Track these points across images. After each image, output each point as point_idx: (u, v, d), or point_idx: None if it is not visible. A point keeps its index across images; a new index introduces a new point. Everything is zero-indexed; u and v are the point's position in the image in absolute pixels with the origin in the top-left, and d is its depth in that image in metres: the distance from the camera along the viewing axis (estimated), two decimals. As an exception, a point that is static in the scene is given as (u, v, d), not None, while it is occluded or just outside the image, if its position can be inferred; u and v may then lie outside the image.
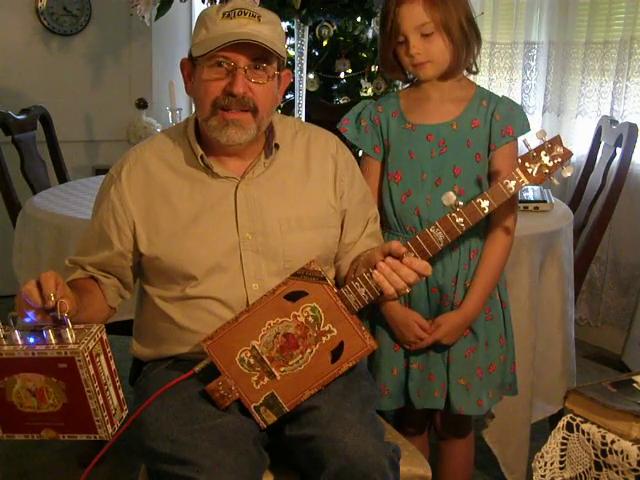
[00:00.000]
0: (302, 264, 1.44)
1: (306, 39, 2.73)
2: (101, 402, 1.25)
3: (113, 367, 1.29)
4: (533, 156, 1.52)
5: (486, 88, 1.82)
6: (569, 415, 1.34)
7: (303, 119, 2.72)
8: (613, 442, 1.25)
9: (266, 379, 1.44)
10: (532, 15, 3.47)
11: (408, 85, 1.80)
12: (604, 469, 1.27)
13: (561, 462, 1.34)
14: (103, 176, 1.65)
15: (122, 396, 1.31)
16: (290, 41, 3.41)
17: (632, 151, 2.44)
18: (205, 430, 1.39)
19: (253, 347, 1.43)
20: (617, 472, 1.24)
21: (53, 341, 1.23)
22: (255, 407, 1.44)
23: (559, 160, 1.52)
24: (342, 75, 3.65)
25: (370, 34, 3.70)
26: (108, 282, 1.57)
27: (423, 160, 1.72)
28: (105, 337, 1.28)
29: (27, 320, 1.28)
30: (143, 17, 2.73)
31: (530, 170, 1.52)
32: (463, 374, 1.75)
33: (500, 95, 1.77)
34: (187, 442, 1.37)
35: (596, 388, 1.35)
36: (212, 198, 1.53)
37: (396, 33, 1.65)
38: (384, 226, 1.79)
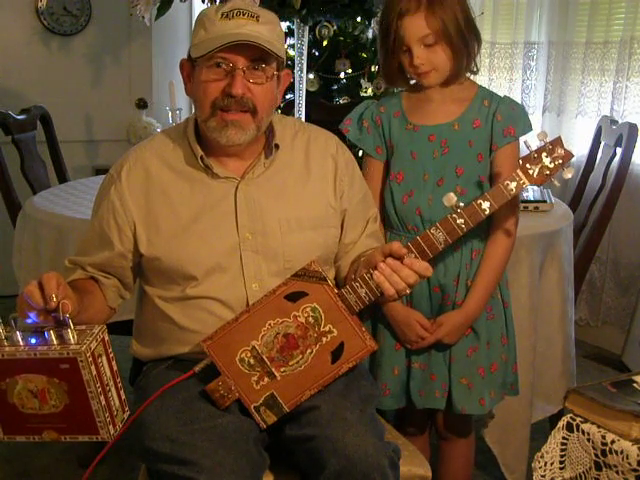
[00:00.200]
0: (302, 264, 1.44)
1: (306, 39, 2.73)
2: (103, 403, 1.25)
3: (115, 368, 1.29)
4: (534, 157, 1.52)
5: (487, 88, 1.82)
6: (569, 415, 1.34)
7: (303, 119, 2.72)
8: (613, 442, 1.25)
9: (266, 379, 1.44)
10: (532, 15, 3.47)
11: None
12: (604, 469, 1.27)
13: (561, 462, 1.34)
14: (103, 176, 1.65)
15: (124, 397, 1.31)
16: (290, 41, 3.41)
17: (632, 151, 2.44)
18: (205, 430, 1.39)
19: (253, 347, 1.43)
20: (617, 472, 1.24)
21: (55, 342, 1.23)
22: (255, 407, 1.44)
23: (560, 161, 1.52)
24: (342, 75, 3.65)
25: (370, 34, 3.70)
26: (108, 282, 1.57)
27: (425, 161, 1.72)
28: (107, 338, 1.28)
29: (28, 321, 1.27)
30: (143, 17, 2.73)
31: (531, 171, 1.52)
32: (465, 374, 1.76)
33: (502, 95, 1.77)
34: (187, 442, 1.37)
35: (596, 388, 1.35)
36: (212, 198, 1.53)
37: (399, 45, 1.65)
38: (386, 226, 1.80)
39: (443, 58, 1.65)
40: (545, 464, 1.35)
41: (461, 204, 1.49)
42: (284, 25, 3.50)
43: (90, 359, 1.21)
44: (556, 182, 1.55)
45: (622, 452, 1.23)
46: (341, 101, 3.67)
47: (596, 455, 1.28)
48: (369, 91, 3.60)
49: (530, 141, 1.58)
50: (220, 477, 1.33)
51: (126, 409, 1.32)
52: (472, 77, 1.78)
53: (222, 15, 1.45)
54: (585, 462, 1.30)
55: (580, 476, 1.31)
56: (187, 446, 1.37)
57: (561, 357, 2.23)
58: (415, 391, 1.78)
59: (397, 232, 1.77)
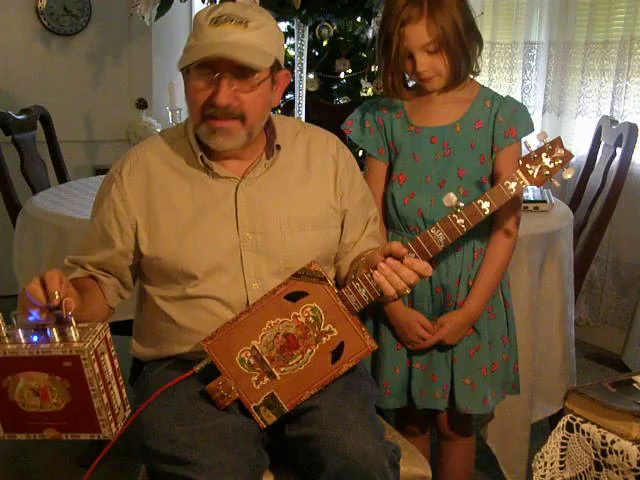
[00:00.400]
0: (302, 264, 1.44)
1: (306, 39, 2.73)
2: (105, 401, 1.24)
3: (117, 366, 1.28)
4: (534, 157, 1.52)
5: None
6: (569, 415, 1.34)
7: (303, 119, 2.73)
8: (613, 442, 1.25)
9: (266, 379, 1.44)
10: (532, 15, 3.47)
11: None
12: (604, 469, 1.27)
13: (561, 462, 1.34)
14: (103, 176, 1.64)
15: (125, 395, 1.30)
16: (290, 41, 3.41)
17: (632, 151, 2.44)
18: (205, 430, 1.39)
19: (253, 347, 1.43)
20: (617, 472, 1.24)
21: (57, 340, 1.22)
22: (255, 407, 1.44)
23: (560, 162, 1.52)
24: (342, 75, 3.65)
25: (370, 34, 3.70)
26: (108, 281, 1.56)
27: (427, 163, 1.72)
28: (109, 336, 1.27)
29: (30, 318, 1.26)
30: (143, 17, 2.73)
31: (531, 171, 1.52)
32: (468, 374, 1.76)
33: (504, 95, 1.76)
34: (187, 442, 1.37)
35: (596, 388, 1.35)
36: (213, 198, 1.53)
37: (403, 54, 1.64)
38: (388, 225, 1.80)
39: (445, 64, 1.64)
40: (545, 464, 1.35)
41: (461, 204, 1.49)
42: (284, 25, 3.51)
43: (93, 357, 1.21)
44: (556, 182, 1.55)
45: (622, 452, 1.23)
46: (341, 101, 3.67)
47: (596, 455, 1.28)
48: (369, 91, 3.60)
49: (530, 141, 1.58)
50: (220, 477, 1.33)
51: (127, 407, 1.32)
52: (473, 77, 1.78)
53: (211, 21, 1.43)
54: (585, 462, 1.30)
55: (580, 476, 1.31)
56: (187, 446, 1.37)
57: (561, 357, 2.23)
58: (416, 391, 1.79)
59: (399, 232, 1.77)
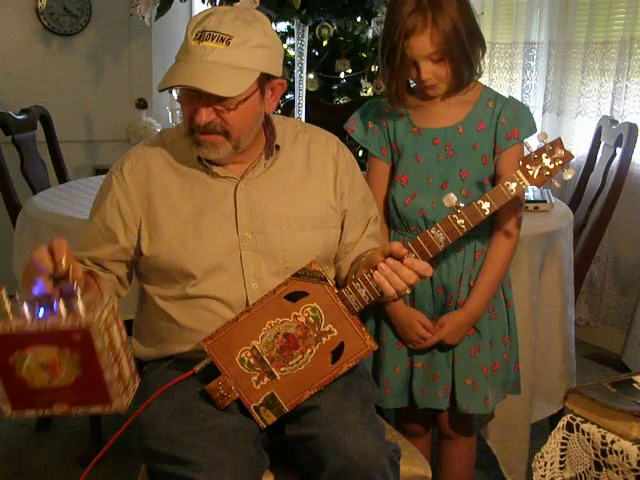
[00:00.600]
0: (302, 264, 1.44)
1: (306, 39, 2.73)
2: (116, 373, 1.21)
3: (125, 337, 1.25)
4: (534, 158, 1.52)
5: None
6: (569, 415, 1.34)
7: (303, 119, 2.72)
8: (613, 442, 1.25)
9: (266, 379, 1.44)
10: (532, 15, 3.47)
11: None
12: (604, 469, 1.27)
13: (561, 462, 1.34)
14: (103, 176, 1.65)
15: (134, 366, 1.27)
16: (290, 41, 3.41)
17: (632, 151, 2.44)
18: (205, 430, 1.39)
19: (253, 347, 1.43)
20: (617, 472, 1.24)
21: (64, 312, 1.18)
22: (255, 407, 1.44)
23: (560, 162, 1.52)
24: (342, 75, 3.65)
25: (370, 34, 3.70)
26: (106, 277, 1.56)
27: (430, 164, 1.72)
28: (117, 306, 1.24)
29: (36, 290, 1.22)
30: (143, 17, 2.73)
31: (531, 172, 1.52)
32: (469, 374, 1.76)
33: (507, 96, 1.76)
34: (187, 442, 1.37)
35: (596, 388, 1.35)
36: (212, 197, 1.53)
37: (408, 63, 1.63)
38: (390, 225, 1.80)
39: (448, 72, 1.64)
40: (545, 464, 1.35)
41: (461, 204, 1.50)
42: (284, 25, 3.51)
43: (102, 328, 1.18)
44: (556, 183, 1.55)
45: (622, 452, 1.23)
46: (341, 101, 3.67)
47: (596, 455, 1.28)
48: (369, 91, 3.60)
49: (530, 142, 1.58)
50: (220, 477, 1.33)
51: (137, 378, 1.28)
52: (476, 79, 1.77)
53: (195, 36, 1.41)
54: (585, 462, 1.30)
55: (580, 476, 1.32)
56: (187, 446, 1.37)
57: (561, 357, 2.23)
58: (417, 391, 1.79)
59: (400, 232, 1.78)
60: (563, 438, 1.33)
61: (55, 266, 1.23)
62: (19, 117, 2.82)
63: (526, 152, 1.55)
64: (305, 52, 2.74)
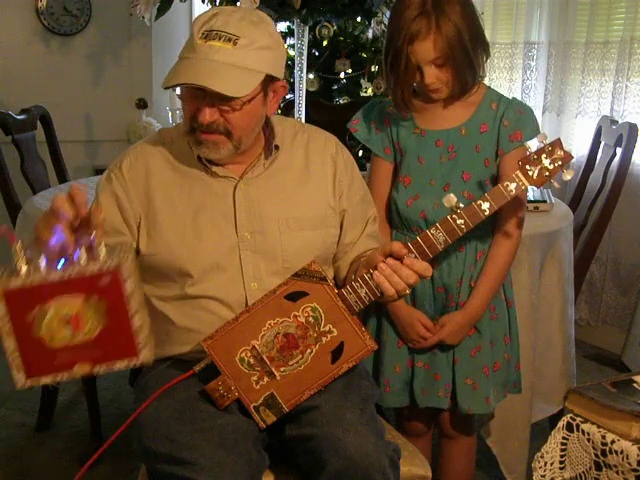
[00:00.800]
0: (301, 264, 1.44)
1: (306, 39, 2.73)
2: (141, 321, 1.16)
3: (142, 292, 1.20)
4: (534, 159, 1.53)
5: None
6: (569, 415, 1.34)
7: (303, 119, 2.72)
8: (613, 442, 1.25)
9: (266, 379, 1.44)
10: (532, 15, 3.47)
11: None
12: (604, 469, 1.27)
13: (561, 462, 1.34)
14: (103, 176, 1.64)
15: (148, 321, 1.21)
16: (290, 41, 3.41)
17: (632, 151, 2.44)
18: (204, 430, 1.39)
19: (253, 347, 1.43)
20: (617, 472, 1.24)
21: (84, 261, 1.12)
22: (254, 407, 1.44)
23: (560, 163, 1.52)
24: (342, 75, 3.65)
25: (370, 34, 3.70)
26: None
27: (432, 166, 1.72)
28: (133, 257, 1.19)
29: (54, 240, 1.14)
30: (143, 17, 2.73)
31: (531, 172, 1.52)
32: (469, 374, 1.76)
33: (510, 97, 1.75)
34: (186, 442, 1.37)
35: (596, 388, 1.35)
36: (211, 197, 1.53)
37: (412, 68, 1.63)
38: (391, 225, 1.80)
39: (452, 76, 1.64)
40: (545, 464, 1.35)
41: (461, 205, 1.50)
42: (284, 25, 3.51)
43: (131, 270, 1.14)
44: (556, 184, 1.55)
45: (622, 452, 1.23)
46: (341, 101, 3.67)
47: (596, 455, 1.28)
48: (369, 91, 3.61)
49: (530, 142, 1.58)
50: (219, 477, 1.33)
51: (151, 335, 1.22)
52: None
53: (202, 34, 1.41)
54: (585, 462, 1.30)
55: (580, 476, 1.32)
56: (186, 446, 1.36)
57: (561, 357, 2.23)
58: (418, 390, 1.79)
59: (401, 232, 1.78)
60: (563, 438, 1.33)
61: (75, 213, 1.17)
62: (19, 117, 2.82)
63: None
64: (305, 52, 2.73)
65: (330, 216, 1.60)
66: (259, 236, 1.53)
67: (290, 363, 1.43)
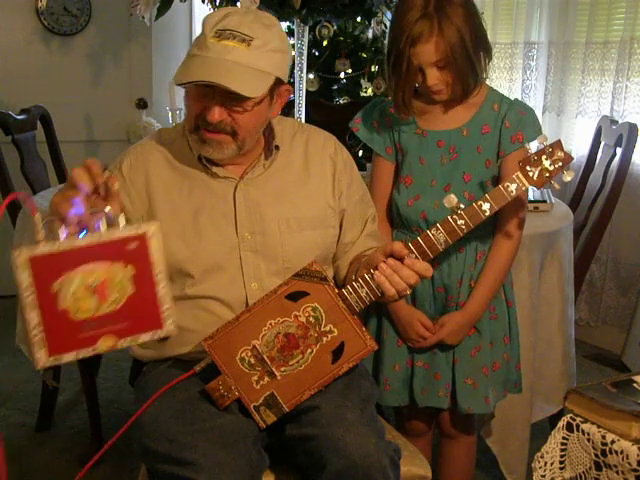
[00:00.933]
0: (301, 264, 1.44)
1: (306, 39, 2.73)
2: (165, 290, 1.13)
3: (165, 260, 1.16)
4: (534, 160, 1.53)
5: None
6: (569, 415, 1.34)
7: (303, 119, 2.72)
8: (613, 442, 1.25)
9: (266, 379, 1.44)
10: (532, 15, 3.47)
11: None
12: (604, 469, 1.27)
13: (561, 462, 1.34)
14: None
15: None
16: (290, 41, 3.40)
17: (632, 151, 2.44)
18: (205, 430, 1.39)
19: (254, 347, 1.43)
20: (617, 472, 1.24)
21: (104, 229, 1.10)
22: (255, 407, 1.44)
23: (560, 164, 1.53)
24: (342, 75, 3.65)
25: (370, 34, 3.70)
26: None
27: (433, 166, 1.73)
28: (158, 225, 1.17)
29: (74, 210, 1.11)
30: (143, 17, 2.73)
31: (531, 173, 1.53)
32: (469, 373, 1.76)
33: (512, 98, 1.75)
34: (186, 442, 1.37)
35: (596, 388, 1.35)
36: (212, 197, 1.53)
37: (414, 70, 1.63)
38: (392, 224, 1.80)
39: (454, 78, 1.64)
40: (545, 464, 1.35)
41: (462, 205, 1.50)
42: (284, 25, 3.51)
43: (157, 236, 1.12)
44: (556, 185, 1.56)
45: (622, 452, 1.23)
46: (341, 101, 3.68)
47: (596, 455, 1.28)
48: (369, 91, 3.61)
49: (530, 143, 1.58)
50: (219, 477, 1.33)
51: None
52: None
53: (215, 33, 1.41)
54: (585, 462, 1.30)
55: (580, 476, 1.31)
56: (187, 446, 1.36)
57: (561, 357, 2.23)
58: (417, 389, 1.79)
59: (402, 231, 1.78)
60: (563, 438, 1.33)
61: (93, 185, 1.14)
62: (19, 117, 2.82)
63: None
64: (305, 52, 2.74)
65: (330, 216, 1.60)
66: (259, 236, 1.53)
67: (290, 363, 1.43)
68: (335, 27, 3.33)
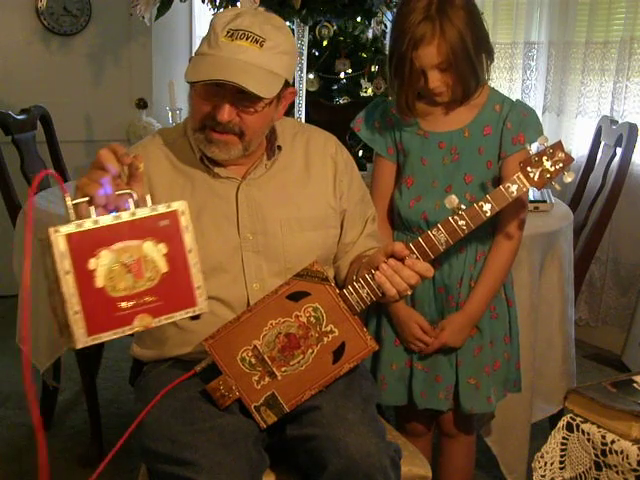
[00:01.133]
0: (303, 264, 1.44)
1: (306, 39, 2.73)
2: (197, 267, 1.13)
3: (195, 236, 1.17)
4: (535, 161, 1.53)
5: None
6: (569, 415, 1.34)
7: (303, 119, 2.72)
8: (613, 442, 1.25)
9: (267, 379, 1.44)
10: (532, 15, 3.47)
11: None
12: (604, 469, 1.27)
13: (561, 462, 1.34)
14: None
15: None
16: (290, 41, 3.40)
17: (632, 151, 2.44)
18: (205, 430, 1.39)
19: (255, 347, 1.43)
20: (617, 472, 1.25)
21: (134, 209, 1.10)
22: (255, 407, 1.44)
23: (560, 165, 1.53)
24: (342, 75, 3.66)
25: (370, 34, 3.70)
26: None
27: (435, 167, 1.73)
28: (187, 203, 1.16)
29: (103, 191, 1.11)
30: (143, 17, 2.73)
31: (532, 174, 1.53)
32: (472, 373, 1.77)
33: (514, 99, 1.75)
34: (187, 442, 1.37)
35: (596, 388, 1.35)
36: (214, 198, 1.53)
37: (416, 73, 1.63)
38: (392, 225, 1.80)
39: (456, 80, 1.64)
40: (545, 464, 1.35)
41: (462, 206, 1.50)
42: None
43: (187, 213, 1.12)
44: (557, 185, 1.56)
45: (622, 452, 1.23)
46: (341, 101, 3.68)
47: (596, 455, 1.28)
48: (369, 91, 3.61)
49: (531, 144, 1.58)
50: (219, 477, 1.33)
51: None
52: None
53: (227, 33, 1.40)
54: (585, 462, 1.30)
55: (580, 476, 1.32)
56: (187, 446, 1.36)
57: (561, 357, 2.23)
58: (417, 392, 1.79)
59: (403, 232, 1.78)
60: (563, 438, 1.33)
61: (119, 168, 1.14)
62: (19, 117, 2.82)
63: (527, 154, 1.56)
64: (305, 52, 2.74)
65: (331, 216, 1.60)
66: (261, 237, 1.53)
67: (291, 363, 1.43)
68: (335, 27, 3.33)
